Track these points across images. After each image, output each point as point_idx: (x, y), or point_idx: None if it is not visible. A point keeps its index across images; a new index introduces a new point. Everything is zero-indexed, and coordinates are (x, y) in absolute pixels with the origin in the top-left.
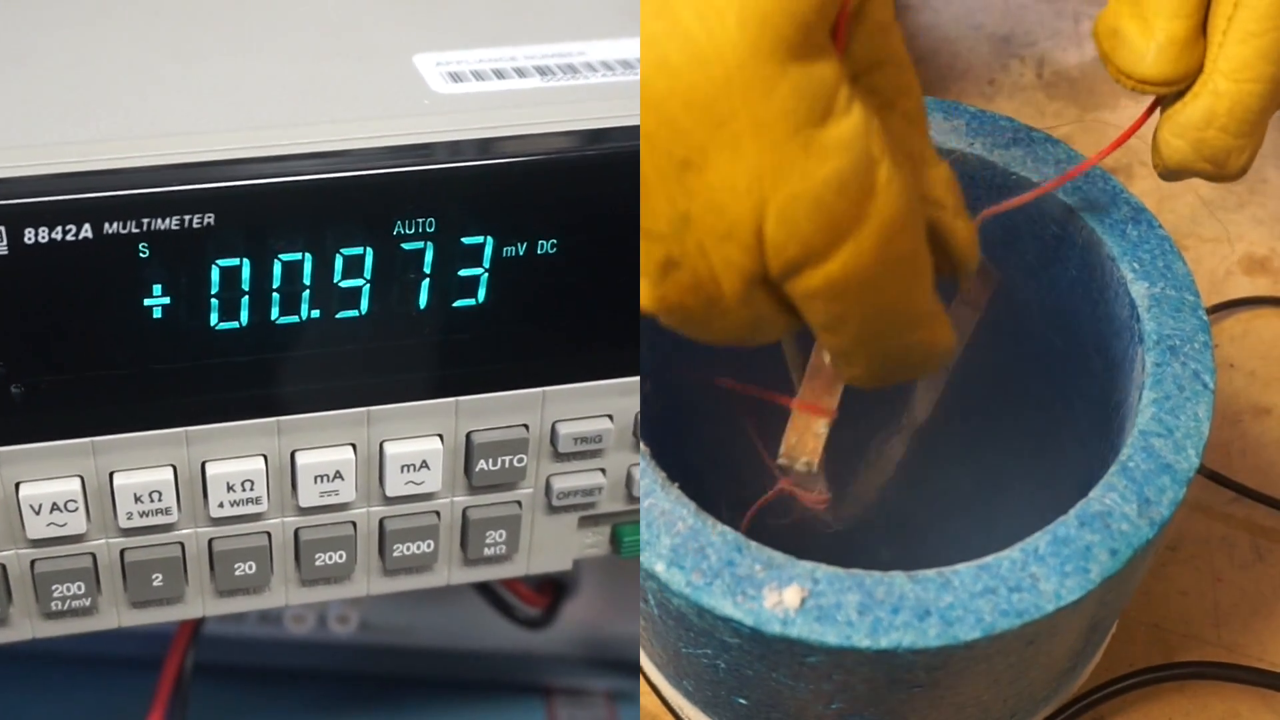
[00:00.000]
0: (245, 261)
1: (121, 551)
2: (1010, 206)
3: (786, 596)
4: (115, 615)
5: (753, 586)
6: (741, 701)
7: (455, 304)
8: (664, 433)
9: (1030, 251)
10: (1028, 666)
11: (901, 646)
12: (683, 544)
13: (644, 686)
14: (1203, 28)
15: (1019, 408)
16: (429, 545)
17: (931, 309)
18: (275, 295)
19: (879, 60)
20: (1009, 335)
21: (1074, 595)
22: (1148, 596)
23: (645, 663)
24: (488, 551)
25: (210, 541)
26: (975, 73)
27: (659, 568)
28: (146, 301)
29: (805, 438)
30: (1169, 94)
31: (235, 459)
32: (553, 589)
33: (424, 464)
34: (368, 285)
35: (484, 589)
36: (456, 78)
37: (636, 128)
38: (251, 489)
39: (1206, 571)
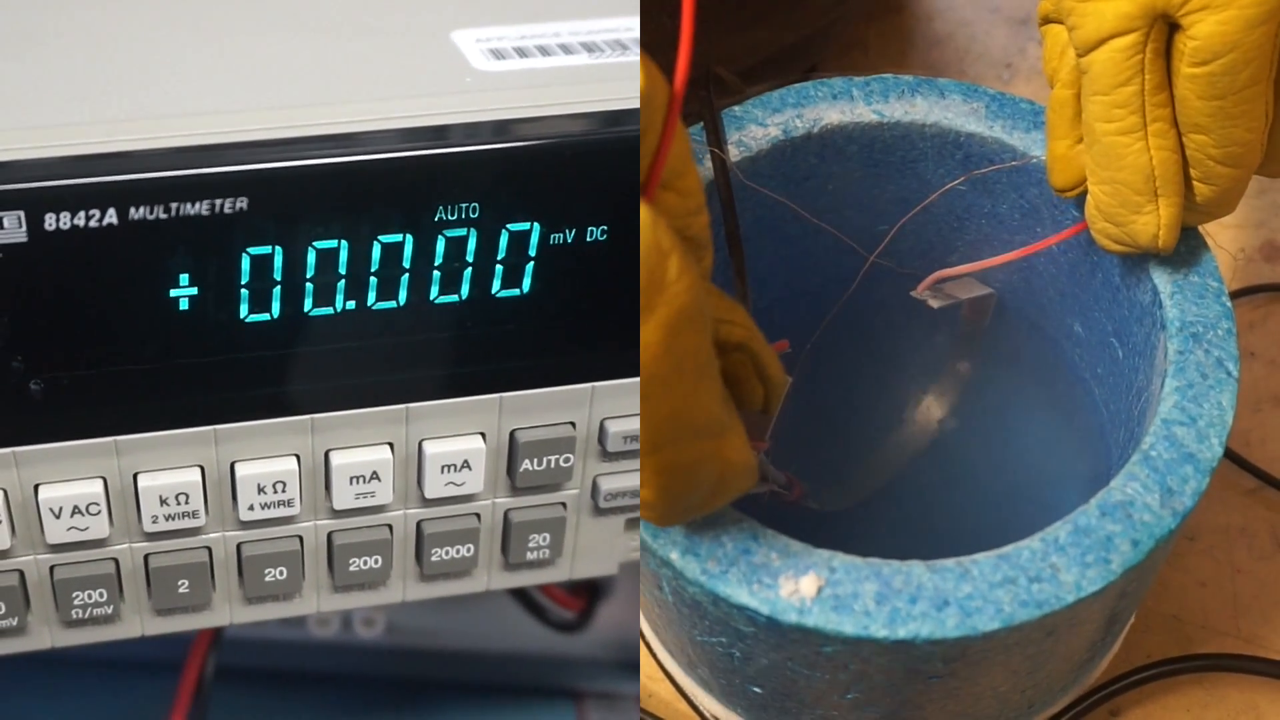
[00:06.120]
0: (277, 249)
1: (146, 557)
2: (998, 262)
3: (803, 585)
4: (139, 623)
5: (769, 575)
6: (756, 690)
7: (499, 294)
8: None
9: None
10: (1046, 658)
11: (919, 637)
12: (698, 531)
13: (659, 674)
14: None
15: (1037, 395)
16: (469, 549)
17: (723, 420)
18: (309, 285)
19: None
20: (1027, 321)
21: (1095, 586)
22: (1166, 587)
23: (659, 650)
24: (530, 556)
25: (239, 546)
26: (991, 56)
27: (674, 555)
28: (172, 292)
29: None
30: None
31: (266, 459)
32: (588, 591)
33: (465, 464)
34: (407, 275)
35: (517, 591)
36: (498, 54)
37: None
38: (283, 491)
39: (1225, 562)
